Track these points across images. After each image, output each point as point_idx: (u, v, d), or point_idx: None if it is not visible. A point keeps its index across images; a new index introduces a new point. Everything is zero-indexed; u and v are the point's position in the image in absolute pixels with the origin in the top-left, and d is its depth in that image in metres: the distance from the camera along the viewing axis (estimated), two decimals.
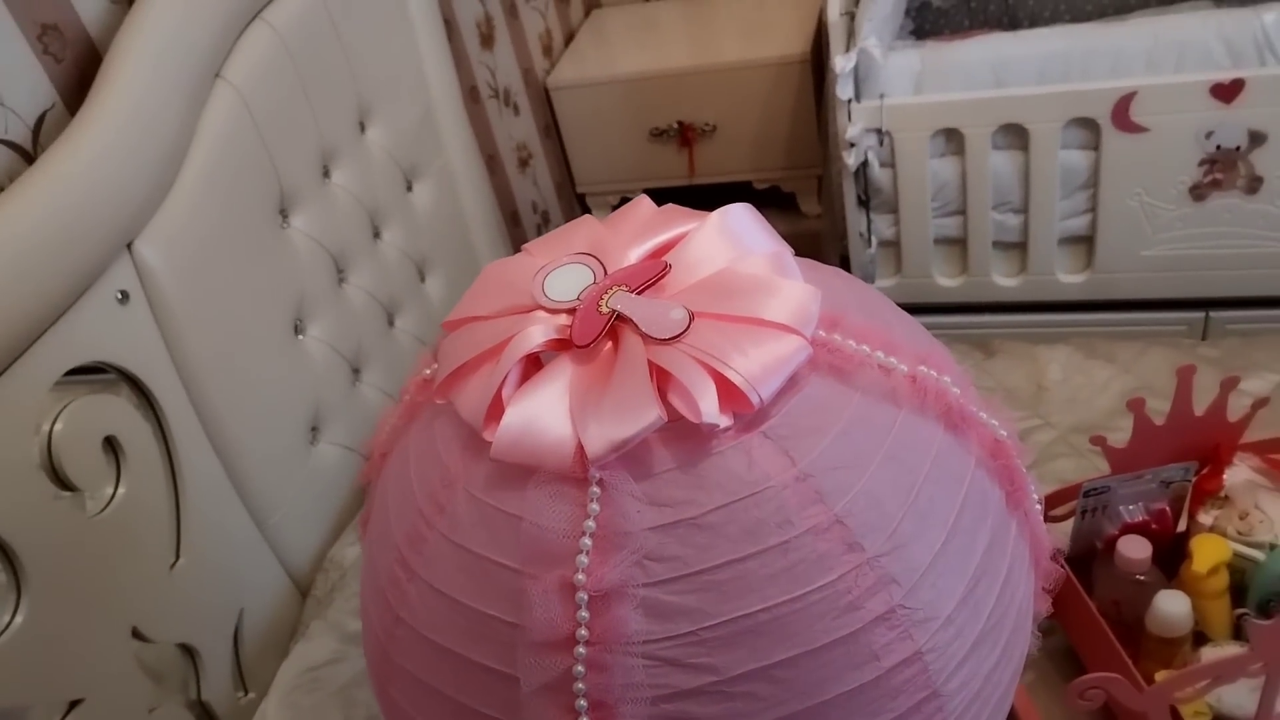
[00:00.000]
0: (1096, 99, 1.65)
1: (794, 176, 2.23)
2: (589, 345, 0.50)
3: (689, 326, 0.49)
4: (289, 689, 1.11)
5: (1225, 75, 1.59)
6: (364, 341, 1.42)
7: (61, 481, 0.96)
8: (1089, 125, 1.68)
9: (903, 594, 0.47)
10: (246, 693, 1.19)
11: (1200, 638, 1.00)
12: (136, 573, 1.04)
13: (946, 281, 1.94)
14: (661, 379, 0.48)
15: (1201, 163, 1.67)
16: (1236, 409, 1.03)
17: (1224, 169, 1.66)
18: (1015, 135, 1.73)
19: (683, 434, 0.48)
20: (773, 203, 2.26)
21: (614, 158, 2.25)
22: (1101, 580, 1.04)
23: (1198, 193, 1.70)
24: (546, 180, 2.26)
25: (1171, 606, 0.96)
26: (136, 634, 1.04)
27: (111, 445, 1.02)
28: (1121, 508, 1.03)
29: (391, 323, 1.52)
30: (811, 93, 2.12)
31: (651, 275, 0.52)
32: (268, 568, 1.23)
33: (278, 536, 1.24)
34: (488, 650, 0.48)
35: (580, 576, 0.46)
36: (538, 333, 0.51)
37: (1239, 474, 1.03)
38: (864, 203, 1.92)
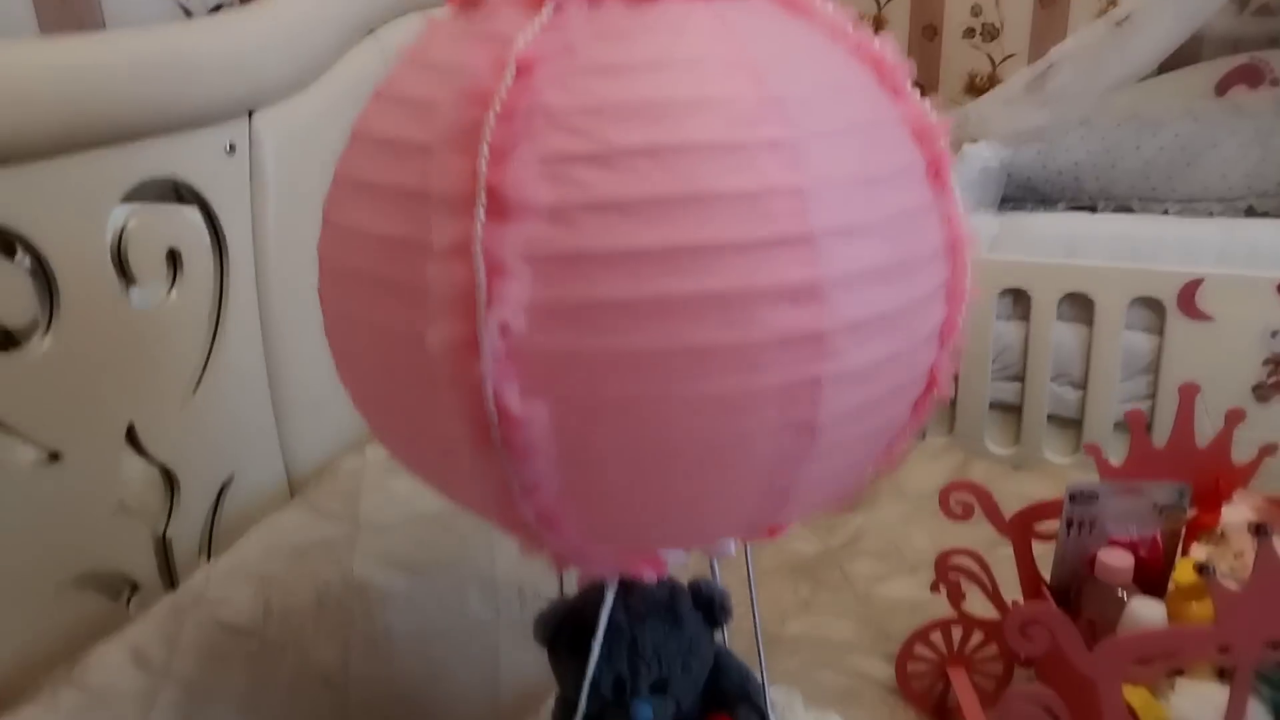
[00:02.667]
0: (1163, 280, 1.70)
1: None
2: None
3: None
4: (245, 542, 1.12)
5: None
6: None
7: (122, 269, 1.07)
8: (1155, 307, 1.73)
9: (794, 133, 0.51)
10: (210, 559, 1.20)
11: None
12: (154, 381, 1.10)
13: (997, 449, 1.92)
14: None
15: (1266, 362, 1.67)
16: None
17: None
18: (1081, 308, 1.79)
19: None
20: None
21: None
22: (1080, 601, 0.98)
23: (1261, 393, 1.69)
24: None
25: (1144, 611, 0.91)
26: (130, 434, 1.09)
27: (174, 262, 1.13)
28: (1110, 525, 0.99)
29: None
30: None
31: None
32: (269, 453, 1.27)
33: (288, 431, 1.29)
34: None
35: (514, 51, 0.52)
36: None
37: (1237, 513, 0.99)
38: None
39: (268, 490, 1.27)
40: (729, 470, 0.54)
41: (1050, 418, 1.86)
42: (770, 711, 0.79)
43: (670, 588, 0.77)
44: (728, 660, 0.81)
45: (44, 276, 0.98)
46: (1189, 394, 0.99)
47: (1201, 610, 0.92)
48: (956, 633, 1.09)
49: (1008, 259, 1.82)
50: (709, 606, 0.77)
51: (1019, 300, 1.83)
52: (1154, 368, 1.76)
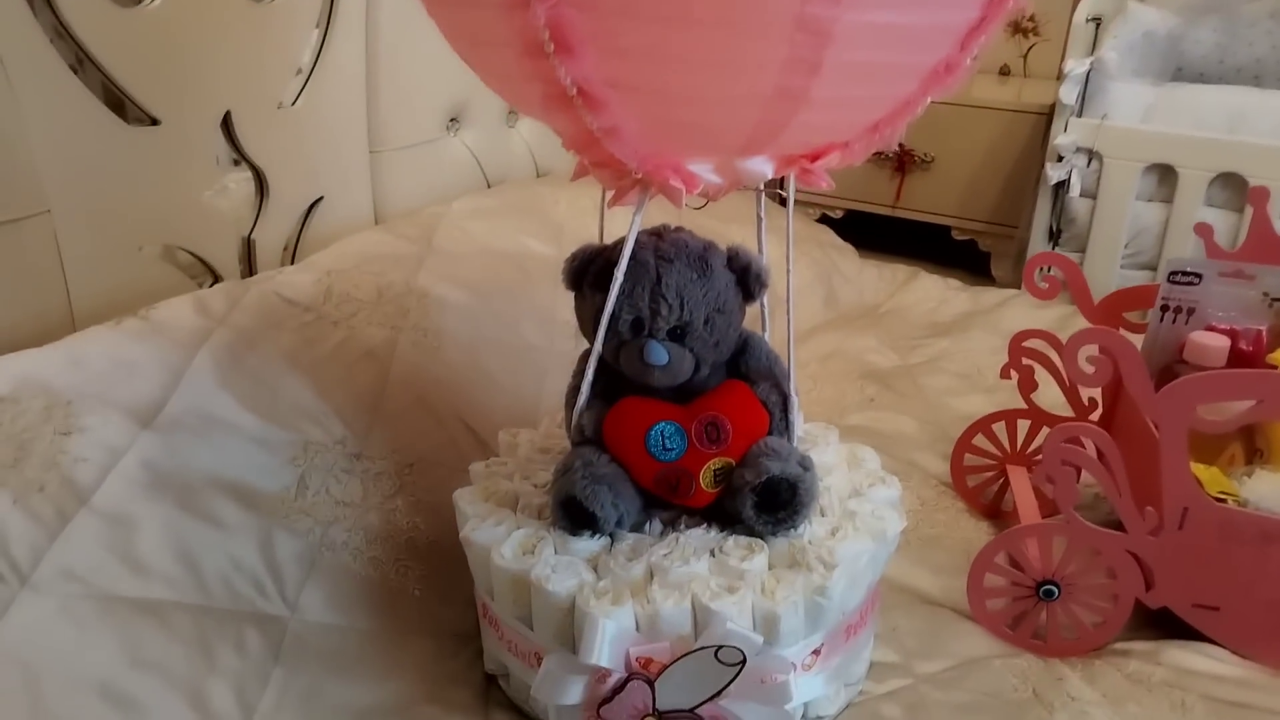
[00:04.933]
0: None
1: (995, 235, 2.18)
2: None
3: None
4: (322, 254, 1.14)
5: None
6: None
7: None
8: None
9: None
10: (295, 252, 1.23)
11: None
12: (255, 77, 1.13)
13: None
14: None
15: None
16: None
17: None
18: (1234, 191, 1.64)
19: None
20: (965, 260, 2.21)
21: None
22: None
23: None
24: None
25: None
26: (227, 125, 1.12)
27: None
28: (1211, 313, 0.90)
29: None
30: (1040, 148, 2.10)
31: None
32: (360, 185, 1.29)
33: (381, 169, 1.31)
34: None
35: None
36: None
37: None
38: (1054, 235, 1.85)
39: (355, 219, 1.29)
40: None
41: None
42: (793, 394, 0.75)
43: (705, 243, 0.74)
44: (757, 343, 0.77)
45: None
46: None
47: None
48: (1022, 427, 1.02)
49: (1158, 131, 1.68)
50: (744, 272, 0.73)
51: (1165, 179, 1.70)
52: None
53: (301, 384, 0.91)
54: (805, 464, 0.72)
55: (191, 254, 1.14)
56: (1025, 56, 2.45)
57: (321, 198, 1.25)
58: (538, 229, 1.25)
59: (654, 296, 0.70)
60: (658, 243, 0.72)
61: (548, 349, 1.09)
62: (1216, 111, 1.65)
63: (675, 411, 0.72)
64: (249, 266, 1.20)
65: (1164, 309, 0.91)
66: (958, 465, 1.04)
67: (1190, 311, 0.91)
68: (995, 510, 1.04)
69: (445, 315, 1.05)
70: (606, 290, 0.71)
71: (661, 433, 0.71)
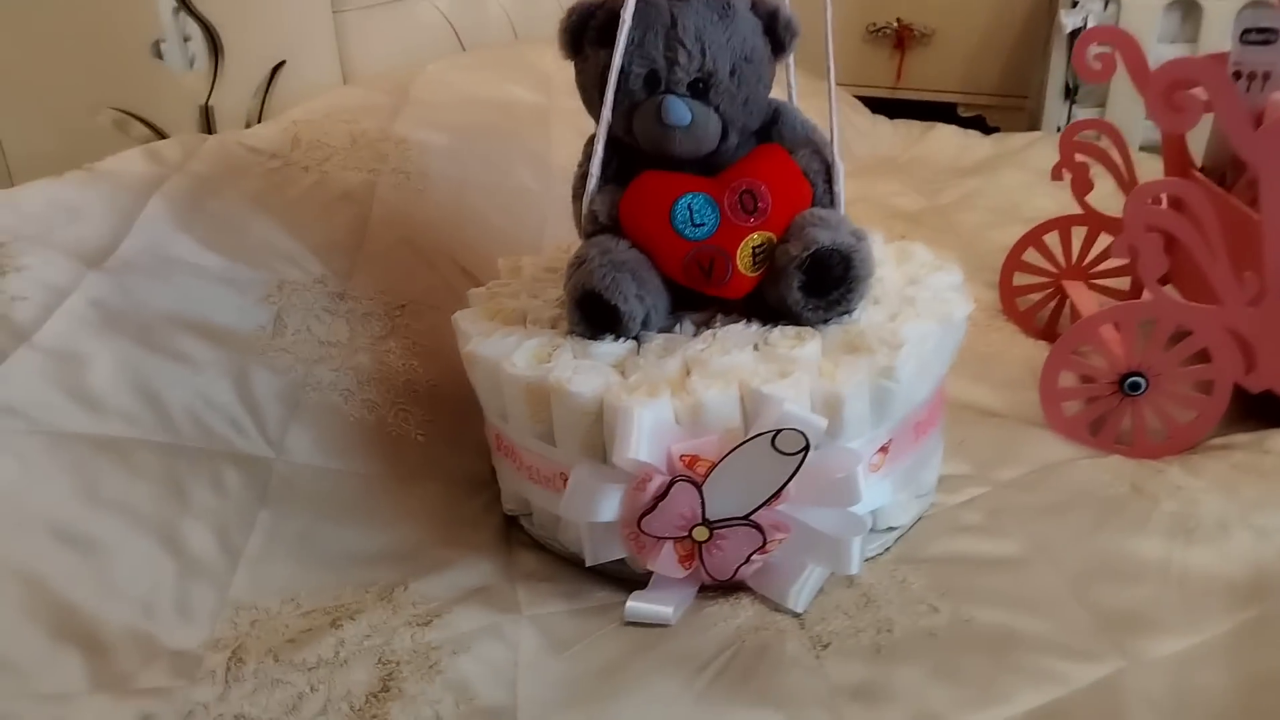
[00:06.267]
0: None
1: (1003, 108, 2.07)
2: None
3: None
4: (288, 110, 1.03)
5: None
6: None
7: None
8: None
9: None
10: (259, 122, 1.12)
11: None
12: None
13: None
14: None
15: None
16: None
17: None
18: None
19: None
20: None
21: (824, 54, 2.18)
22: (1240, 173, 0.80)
23: None
24: None
25: None
26: None
27: None
28: None
29: None
30: (1046, 9, 1.98)
31: None
32: (323, 45, 1.17)
33: (344, 31, 1.19)
34: None
35: None
36: None
37: None
38: (1070, 93, 1.74)
39: (322, 87, 1.18)
40: None
41: None
42: (837, 160, 0.65)
43: None
44: (791, 111, 0.67)
45: None
46: None
47: None
48: (1078, 236, 0.93)
49: None
50: (772, 17, 0.63)
51: (1189, 15, 1.59)
52: None
53: (271, 225, 0.81)
54: (858, 234, 0.62)
55: (146, 123, 1.03)
56: None
57: (284, 62, 1.13)
58: (524, 78, 1.14)
59: (670, 42, 0.60)
60: None
61: (544, 193, 0.98)
62: None
63: (704, 183, 0.62)
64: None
65: (1236, 76, 0.81)
66: (1007, 285, 0.94)
67: (1266, 77, 0.81)
68: (1051, 333, 0.94)
69: (429, 159, 0.95)
70: (612, 45, 0.60)
71: (689, 205, 0.61)
